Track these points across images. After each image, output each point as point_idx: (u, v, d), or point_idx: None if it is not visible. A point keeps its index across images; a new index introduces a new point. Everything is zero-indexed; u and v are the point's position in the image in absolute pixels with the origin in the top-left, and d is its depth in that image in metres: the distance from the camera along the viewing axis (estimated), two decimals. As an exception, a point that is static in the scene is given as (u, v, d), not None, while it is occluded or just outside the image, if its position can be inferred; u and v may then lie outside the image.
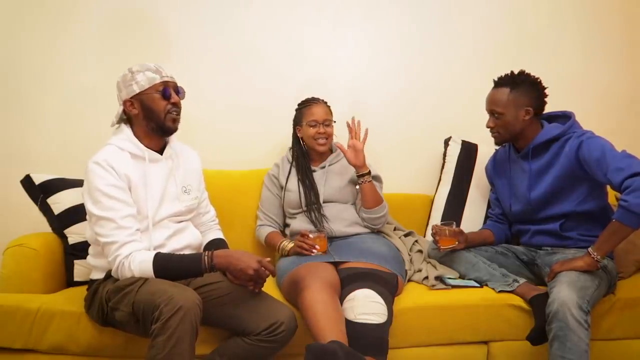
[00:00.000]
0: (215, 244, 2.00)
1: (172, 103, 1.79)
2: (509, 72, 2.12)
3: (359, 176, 2.16)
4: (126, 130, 1.81)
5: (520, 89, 2.07)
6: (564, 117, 2.14)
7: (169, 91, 1.79)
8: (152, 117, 1.78)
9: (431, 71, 2.71)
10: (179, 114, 1.82)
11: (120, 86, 1.80)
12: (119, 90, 1.80)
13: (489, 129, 2.15)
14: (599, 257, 1.86)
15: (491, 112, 2.12)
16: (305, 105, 2.31)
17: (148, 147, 1.81)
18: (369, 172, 2.17)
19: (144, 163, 1.79)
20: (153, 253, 1.68)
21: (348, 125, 2.19)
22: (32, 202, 2.18)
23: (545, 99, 2.13)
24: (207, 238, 2.03)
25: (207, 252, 1.70)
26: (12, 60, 2.48)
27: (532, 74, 2.12)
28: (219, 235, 2.07)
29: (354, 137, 2.18)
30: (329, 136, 2.28)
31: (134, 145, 1.79)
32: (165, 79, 1.80)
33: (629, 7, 2.81)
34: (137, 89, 1.76)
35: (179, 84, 1.85)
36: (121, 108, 1.81)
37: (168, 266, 1.67)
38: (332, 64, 2.66)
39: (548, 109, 2.18)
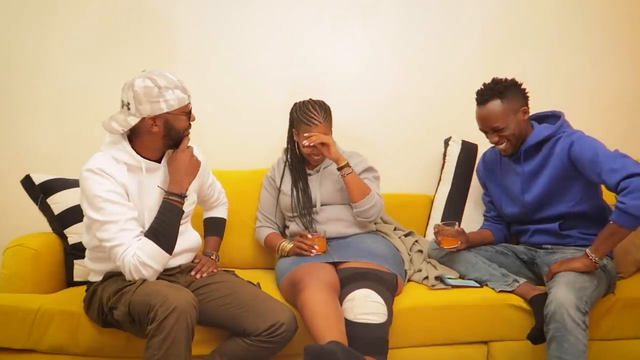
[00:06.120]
0: (208, 223, 2.14)
1: (190, 121, 1.79)
2: (481, 87, 2.07)
3: (338, 169, 2.13)
4: (124, 142, 1.75)
5: (509, 95, 2.02)
6: (554, 117, 2.11)
7: (190, 109, 1.78)
8: (172, 135, 1.75)
9: (431, 71, 2.71)
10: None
11: (141, 98, 1.67)
12: (139, 102, 1.68)
13: (494, 144, 2.09)
14: (596, 258, 1.86)
15: (492, 129, 2.05)
16: (305, 121, 2.14)
17: (148, 158, 1.77)
18: (347, 164, 2.12)
19: (140, 174, 1.75)
20: (141, 237, 1.69)
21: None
22: (32, 202, 2.18)
23: (528, 94, 2.09)
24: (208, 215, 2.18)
25: (163, 195, 1.75)
26: (11, 59, 2.48)
27: (504, 77, 2.07)
28: (217, 214, 2.16)
29: (313, 135, 2.10)
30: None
31: (131, 157, 1.74)
32: (190, 98, 1.76)
33: (637, 6, 2.80)
34: (165, 108, 1.69)
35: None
36: (137, 120, 1.70)
37: (161, 231, 1.69)
38: (332, 64, 2.66)
39: (556, 110, 2.16)
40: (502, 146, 2.07)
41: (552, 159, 2.01)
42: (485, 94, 2.05)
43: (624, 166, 1.80)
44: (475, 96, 2.08)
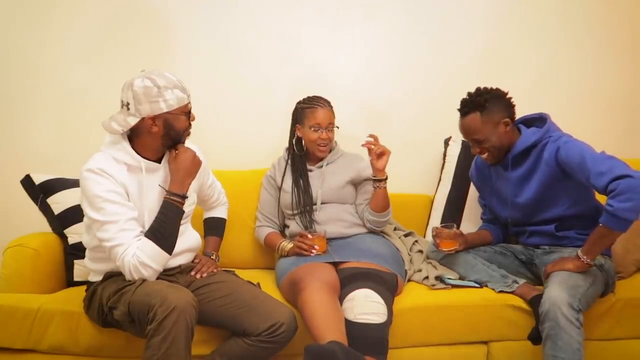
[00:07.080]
0: (208, 223, 2.14)
1: (190, 121, 1.79)
2: (465, 97, 2.06)
3: (376, 180, 2.13)
4: (124, 142, 1.75)
5: (489, 107, 2.01)
6: (541, 120, 2.09)
7: (190, 109, 1.78)
8: (172, 135, 1.75)
9: (431, 71, 2.71)
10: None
11: (140, 98, 1.68)
12: (138, 102, 1.68)
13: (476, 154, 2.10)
14: (588, 260, 1.86)
15: (472, 140, 2.06)
16: (309, 106, 2.22)
17: (148, 158, 1.78)
18: (386, 178, 2.14)
19: (140, 174, 1.76)
20: (141, 237, 1.69)
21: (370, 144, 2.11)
22: (32, 202, 2.18)
23: (513, 102, 2.07)
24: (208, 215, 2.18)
25: (165, 194, 1.75)
26: (10, 60, 2.48)
27: (488, 87, 2.05)
28: (217, 214, 2.16)
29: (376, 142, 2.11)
30: (330, 141, 2.24)
31: (131, 157, 1.74)
32: (190, 97, 1.76)
33: (637, 7, 2.79)
34: (165, 108, 1.70)
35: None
36: (136, 120, 1.71)
37: (161, 231, 1.70)
38: (332, 64, 2.66)
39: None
40: (484, 156, 2.08)
41: (541, 165, 2.00)
42: (467, 106, 2.04)
43: (611, 169, 1.78)
44: (459, 106, 2.08)
